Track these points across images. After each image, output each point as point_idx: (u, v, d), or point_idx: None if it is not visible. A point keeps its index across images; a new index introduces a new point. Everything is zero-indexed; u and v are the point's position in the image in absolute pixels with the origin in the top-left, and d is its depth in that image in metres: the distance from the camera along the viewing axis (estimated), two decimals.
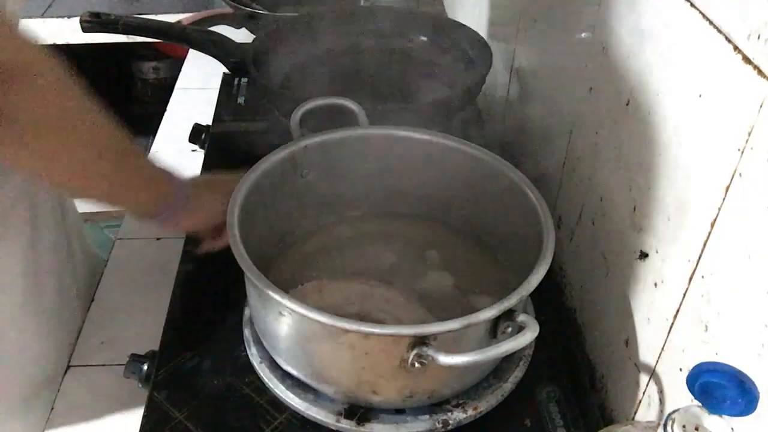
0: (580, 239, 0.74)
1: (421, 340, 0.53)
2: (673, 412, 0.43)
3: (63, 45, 1.52)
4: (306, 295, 0.65)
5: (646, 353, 0.59)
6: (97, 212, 1.24)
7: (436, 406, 0.61)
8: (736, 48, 0.44)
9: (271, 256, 0.71)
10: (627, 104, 0.61)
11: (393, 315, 0.67)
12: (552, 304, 0.77)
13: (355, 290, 0.69)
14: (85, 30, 0.99)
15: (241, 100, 1.09)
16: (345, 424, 0.60)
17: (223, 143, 1.00)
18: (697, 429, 0.42)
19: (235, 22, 1.34)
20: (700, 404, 0.42)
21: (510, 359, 0.65)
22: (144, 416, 0.62)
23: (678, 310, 0.53)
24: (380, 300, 0.69)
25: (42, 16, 1.55)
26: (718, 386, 0.40)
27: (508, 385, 0.64)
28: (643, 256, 0.59)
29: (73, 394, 0.77)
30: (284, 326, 0.58)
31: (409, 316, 0.67)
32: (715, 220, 0.47)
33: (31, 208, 0.74)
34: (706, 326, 0.49)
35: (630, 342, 0.62)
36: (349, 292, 0.67)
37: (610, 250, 0.66)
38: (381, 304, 0.68)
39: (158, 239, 0.97)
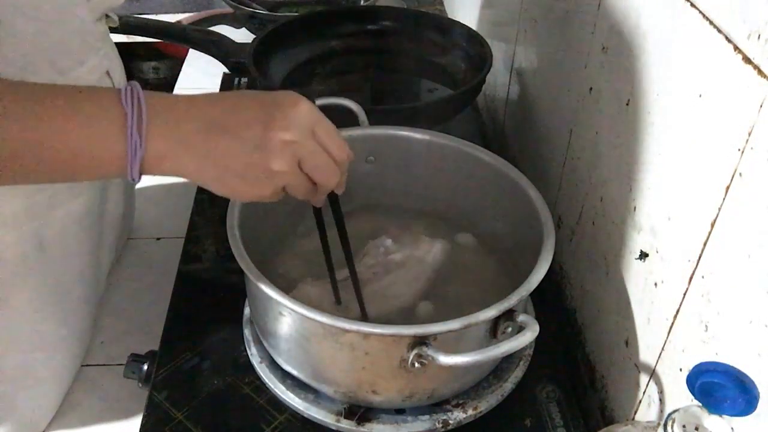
0: (580, 239, 0.74)
1: (421, 340, 0.53)
2: (673, 412, 0.43)
3: None
4: (306, 294, 0.65)
5: (646, 353, 0.59)
6: None
7: (436, 406, 0.61)
8: (736, 48, 0.44)
9: (271, 256, 0.71)
10: (627, 104, 0.61)
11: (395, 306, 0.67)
12: (552, 304, 0.77)
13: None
14: None
15: None
16: (345, 424, 0.60)
17: None
18: (697, 429, 0.42)
19: (235, 22, 1.34)
20: (700, 404, 0.42)
21: (510, 359, 0.65)
22: (144, 416, 0.62)
23: (678, 310, 0.53)
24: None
25: None
26: (718, 386, 0.40)
27: (508, 385, 0.64)
28: (643, 256, 0.59)
29: (73, 394, 0.77)
30: (284, 326, 0.58)
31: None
32: (715, 220, 0.47)
33: (100, 215, 0.78)
34: (706, 326, 0.49)
35: (630, 342, 0.62)
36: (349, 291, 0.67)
37: (610, 250, 0.66)
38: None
39: (158, 239, 0.97)
